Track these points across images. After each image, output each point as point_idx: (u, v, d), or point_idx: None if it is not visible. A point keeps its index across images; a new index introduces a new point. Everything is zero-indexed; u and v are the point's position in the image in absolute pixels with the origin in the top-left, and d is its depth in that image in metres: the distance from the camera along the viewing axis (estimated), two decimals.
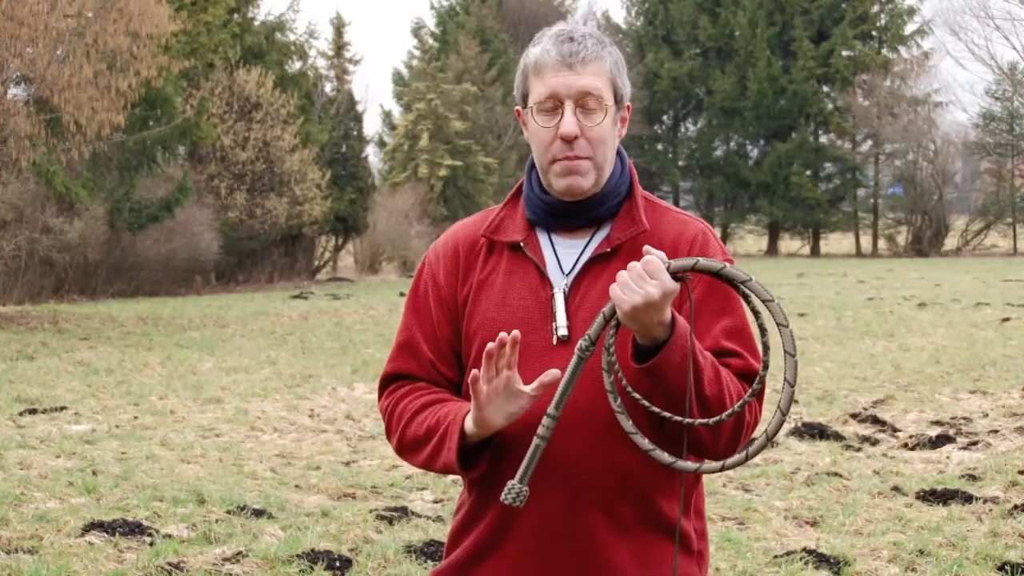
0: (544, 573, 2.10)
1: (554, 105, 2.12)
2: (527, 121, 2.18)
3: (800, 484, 6.98)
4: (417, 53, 47.70)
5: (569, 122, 2.10)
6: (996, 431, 8.59)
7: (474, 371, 2.01)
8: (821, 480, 7.04)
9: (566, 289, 2.13)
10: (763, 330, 1.98)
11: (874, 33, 52.03)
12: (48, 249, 23.23)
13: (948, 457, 7.79)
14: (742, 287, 1.93)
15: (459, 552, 2.20)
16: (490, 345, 1.99)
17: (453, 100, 39.88)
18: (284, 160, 30.73)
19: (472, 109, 40.83)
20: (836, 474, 7.21)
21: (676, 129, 55.84)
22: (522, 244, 2.18)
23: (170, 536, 5.72)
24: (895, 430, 8.75)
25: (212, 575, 5.20)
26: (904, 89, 50.35)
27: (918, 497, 6.60)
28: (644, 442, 1.95)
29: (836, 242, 53.57)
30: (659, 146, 54.67)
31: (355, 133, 37.10)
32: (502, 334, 2.00)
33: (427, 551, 5.52)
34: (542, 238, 2.19)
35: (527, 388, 2.01)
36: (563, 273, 2.15)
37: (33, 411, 9.62)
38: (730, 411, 1.98)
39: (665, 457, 1.95)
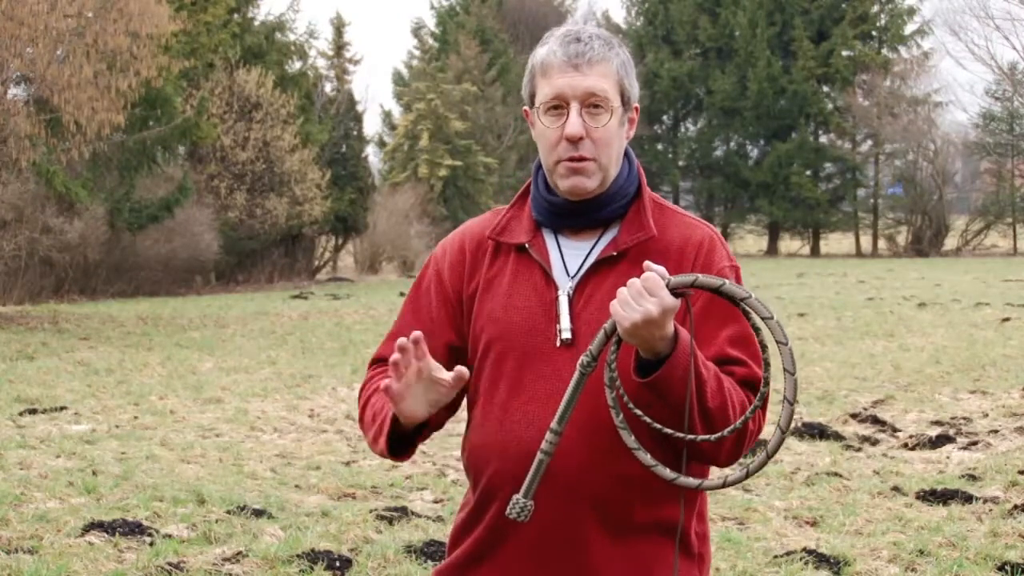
0: (541, 575, 2.10)
1: (560, 105, 2.12)
2: (534, 121, 2.18)
3: (800, 484, 6.98)
4: (417, 53, 47.70)
5: (574, 123, 2.10)
6: (996, 431, 8.59)
7: (384, 380, 2.05)
8: (821, 480, 7.04)
9: (570, 292, 2.12)
10: (763, 347, 1.98)
11: (874, 33, 52.02)
12: (48, 249, 23.23)
13: (948, 457, 7.79)
14: (742, 304, 1.93)
15: (459, 552, 2.20)
16: (394, 356, 2.01)
17: (453, 100, 39.87)
18: (284, 160, 30.74)
19: (472, 109, 40.83)
20: (836, 474, 7.21)
21: (676, 129, 55.84)
22: (527, 246, 2.18)
23: (170, 536, 5.72)
24: (895, 430, 8.75)
25: (212, 575, 5.20)
26: (904, 89, 50.35)
27: (918, 497, 6.60)
28: (647, 458, 1.95)
29: (836, 242, 53.56)
30: (659, 146, 54.67)
31: (355, 133, 37.10)
32: (401, 340, 2.02)
33: (427, 551, 5.52)
34: (548, 240, 2.19)
35: (446, 376, 2.03)
36: (568, 275, 2.15)
37: (33, 411, 9.62)
38: (731, 427, 1.98)
39: (667, 473, 1.95)
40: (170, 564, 5.23)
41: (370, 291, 28.49)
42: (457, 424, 2.32)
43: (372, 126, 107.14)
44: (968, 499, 6.49)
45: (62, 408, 9.81)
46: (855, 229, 50.84)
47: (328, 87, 38.99)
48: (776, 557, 5.46)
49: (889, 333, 15.98)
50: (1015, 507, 6.26)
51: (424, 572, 5.30)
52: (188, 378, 11.94)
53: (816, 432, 8.48)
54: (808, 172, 50.79)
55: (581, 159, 2.11)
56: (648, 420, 1.96)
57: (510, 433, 2.11)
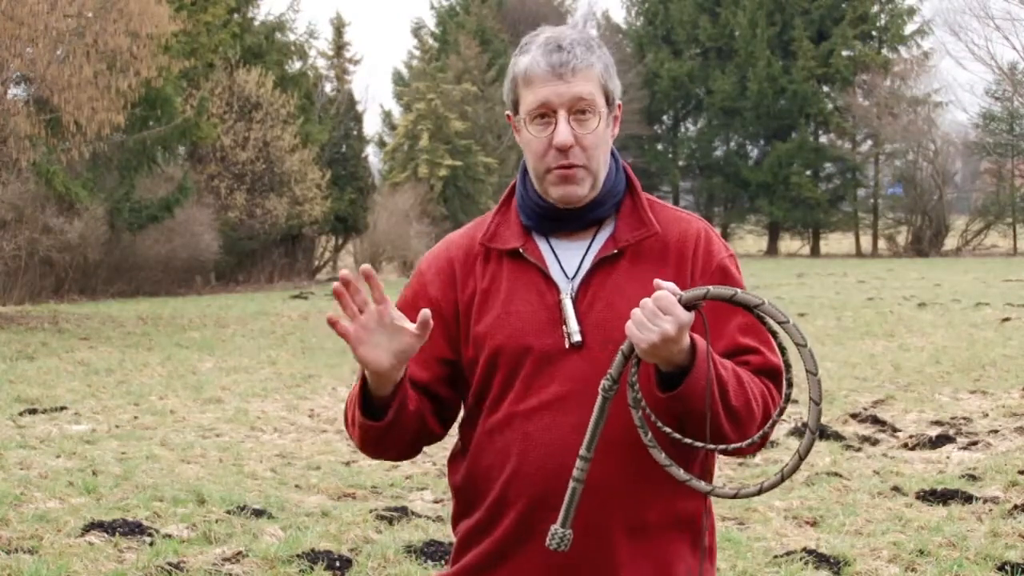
0: None
1: (546, 114, 2.09)
2: (519, 129, 2.16)
3: (800, 484, 6.98)
4: (417, 53, 47.68)
5: (563, 131, 2.08)
6: (996, 431, 8.59)
7: (329, 314, 2.02)
8: (821, 480, 7.04)
9: (573, 293, 2.11)
10: (782, 349, 1.98)
11: (874, 33, 52.03)
12: (48, 249, 23.23)
13: (948, 457, 7.79)
14: (756, 311, 1.93)
15: (473, 556, 2.17)
16: (336, 285, 1.99)
17: (453, 100, 39.87)
18: (284, 160, 30.74)
19: (472, 109, 40.83)
20: (836, 474, 7.21)
21: (676, 129, 55.84)
22: (521, 250, 2.16)
23: (170, 536, 5.72)
24: (895, 430, 8.75)
25: (212, 575, 5.20)
26: (904, 89, 50.34)
27: (918, 497, 6.60)
28: (680, 473, 1.95)
29: (836, 242, 53.56)
30: (659, 146, 54.68)
31: (355, 133, 37.10)
32: (344, 271, 2.00)
33: (427, 551, 5.52)
34: (540, 242, 2.17)
35: (410, 326, 1.99)
36: (567, 276, 2.13)
37: (33, 411, 9.62)
38: (749, 441, 2.00)
39: (703, 486, 1.96)
40: (170, 564, 5.23)
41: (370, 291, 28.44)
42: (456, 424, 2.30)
43: (372, 126, 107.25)
44: (968, 499, 6.49)
45: (62, 408, 9.81)
46: (855, 229, 50.85)
47: (328, 87, 39.02)
48: (776, 557, 5.46)
49: (889, 333, 15.98)
50: (1015, 507, 6.26)
51: (424, 572, 5.30)
52: (188, 378, 11.94)
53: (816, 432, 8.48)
54: (808, 172, 50.80)
55: (572, 167, 2.09)
56: (678, 436, 1.96)
57: (528, 436, 2.09)
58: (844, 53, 50.71)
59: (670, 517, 2.11)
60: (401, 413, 2.10)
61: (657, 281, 1.93)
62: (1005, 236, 49.20)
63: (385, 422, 2.08)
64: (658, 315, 1.89)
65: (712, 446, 1.96)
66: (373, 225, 35.53)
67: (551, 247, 2.17)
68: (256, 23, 33.41)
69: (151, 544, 5.58)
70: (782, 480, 1.93)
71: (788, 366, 2.00)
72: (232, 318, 19.90)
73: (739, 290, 1.92)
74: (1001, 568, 5.24)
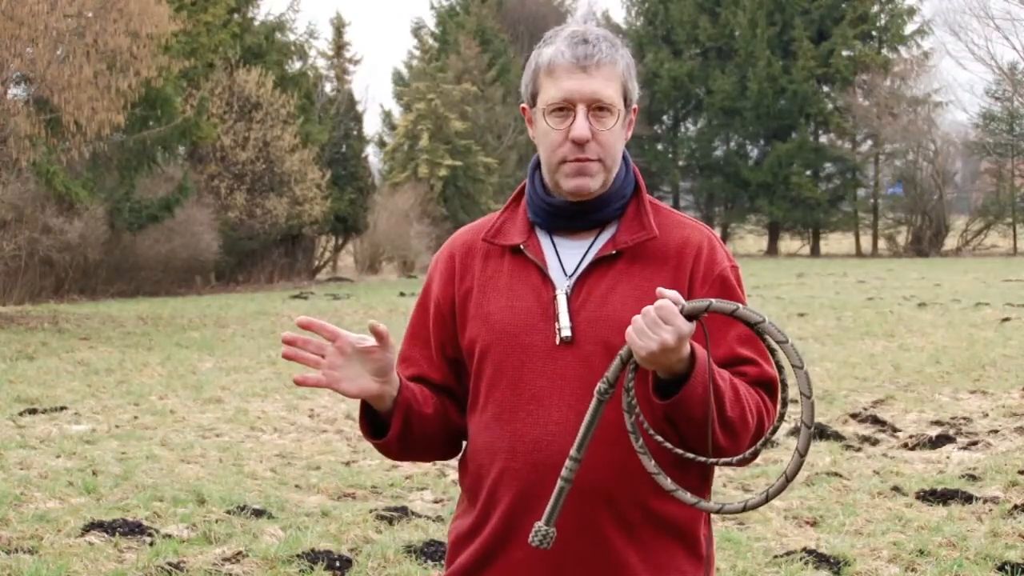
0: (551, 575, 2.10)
1: (565, 107, 2.11)
2: (535, 120, 2.17)
3: (800, 484, 6.98)
4: (417, 53, 47.68)
5: (582, 126, 2.09)
6: (996, 431, 8.59)
7: (295, 376, 2.11)
8: (821, 480, 7.04)
9: (568, 290, 2.12)
10: (779, 367, 1.98)
11: (874, 33, 52.02)
12: (48, 249, 23.23)
13: (948, 457, 7.79)
14: (756, 328, 1.93)
15: (466, 556, 2.18)
16: (285, 350, 2.07)
17: (453, 100, 39.86)
18: (284, 160, 30.74)
19: (472, 109, 40.83)
20: (836, 474, 7.21)
21: (676, 129, 55.83)
22: (523, 247, 2.17)
23: (170, 536, 5.72)
24: (895, 430, 8.75)
25: (212, 575, 5.20)
26: (904, 89, 50.33)
27: (918, 497, 6.60)
28: (667, 483, 1.95)
29: (836, 242, 53.56)
30: (659, 146, 54.67)
31: (355, 133, 37.10)
32: (285, 334, 2.07)
33: (427, 551, 5.52)
34: (543, 240, 2.19)
35: (368, 340, 2.05)
36: (565, 274, 2.14)
37: (33, 411, 9.62)
38: (740, 457, 2.00)
39: (688, 498, 1.96)
40: (170, 564, 5.23)
41: (370, 291, 28.49)
42: None
43: (372, 126, 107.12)
44: (968, 499, 6.49)
45: (62, 408, 9.81)
46: (855, 229, 50.84)
47: (328, 87, 39.01)
48: (776, 557, 5.46)
49: (889, 333, 15.98)
50: (1015, 507, 6.26)
51: (424, 572, 5.30)
52: (188, 378, 11.94)
53: (816, 432, 8.48)
54: (808, 172, 50.79)
55: (587, 160, 2.10)
56: (669, 446, 1.96)
57: (517, 432, 2.10)
58: (844, 53, 50.69)
59: (665, 522, 2.11)
60: (411, 421, 2.14)
61: (660, 290, 1.93)
62: (1005, 236, 49.18)
63: (393, 436, 2.14)
64: (659, 324, 1.89)
65: (702, 458, 1.96)
66: (373, 225, 35.53)
67: (554, 245, 2.18)
68: (256, 23, 33.40)
69: (151, 544, 5.58)
70: (767, 500, 1.93)
71: (784, 385, 2.01)
72: (232, 318, 19.90)
73: (741, 305, 1.92)
74: (1001, 568, 5.24)
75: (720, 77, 51.44)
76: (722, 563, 5.36)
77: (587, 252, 2.15)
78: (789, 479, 1.90)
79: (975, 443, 8.20)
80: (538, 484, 2.07)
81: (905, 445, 8.24)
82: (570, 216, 2.16)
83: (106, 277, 26.09)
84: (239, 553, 5.47)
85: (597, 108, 2.10)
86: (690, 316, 1.91)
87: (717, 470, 7.41)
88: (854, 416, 9.28)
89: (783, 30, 51.43)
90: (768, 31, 50.74)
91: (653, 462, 1.95)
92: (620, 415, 1.99)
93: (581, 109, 2.09)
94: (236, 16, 31.00)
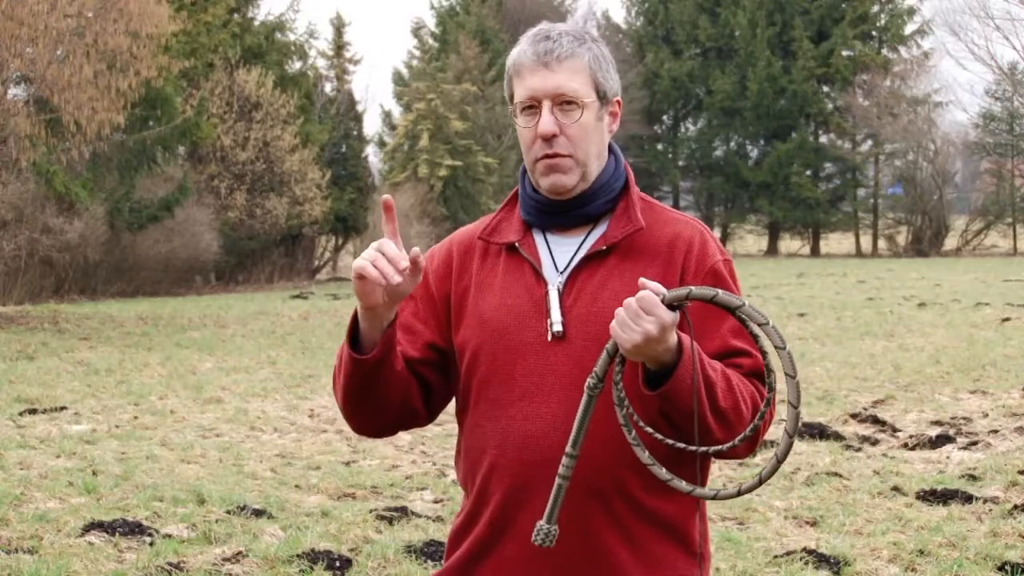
0: (545, 571, 2.10)
1: (533, 105, 2.14)
2: (514, 122, 2.21)
3: (800, 484, 6.99)
4: (417, 53, 47.69)
5: (546, 121, 2.11)
6: (996, 431, 8.59)
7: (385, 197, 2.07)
8: (821, 480, 7.04)
9: (560, 286, 2.13)
10: (763, 353, 1.98)
11: (874, 33, 52.03)
12: (48, 249, 23.24)
13: (948, 457, 7.79)
14: (737, 313, 1.93)
15: (459, 553, 2.20)
16: (371, 272, 1.99)
17: (453, 100, 39.87)
18: (284, 160, 30.75)
19: (472, 109, 40.83)
20: (836, 474, 7.21)
21: (676, 129, 55.83)
22: (517, 245, 2.19)
23: (170, 536, 5.72)
24: (895, 430, 8.75)
25: (212, 575, 5.20)
26: (904, 89, 50.34)
27: (918, 497, 6.60)
28: (662, 472, 1.96)
29: (836, 242, 53.57)
30: (659, 146, 54.67)
31: (355, 133, 37.11)
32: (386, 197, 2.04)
33: (427, 551, 5.52)
34: (537, 238, 2.20)
35: (404, 264, 2.01)
36: (558, 271, 2.16)
37: (33, 411, 9.62)
38: (731, 443, 1.99)
39: (683, 486, 1.96)
40: (170, 564, 5.23)
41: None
42: (455, 425, 2.31)
43: (372, 126, 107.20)
44: (968, 499, 6.49)
45: (62, 408, 9.81)
46: (855, 229, 50.84)
47: (328, 87, 39.01)
48: (776, 557, 5.46)
49: (889, 333, 15.98)
50: (1015, 507, 6.26)
51: (424, 572, 5.30)
52: (188, 378, 11.94)
53: (816, 432, 8.48)
54: (808, 172, 50.79)
55: (557, 156, 2.12)
56: (660, 437, 1.97)
57: (507, 428, 2.12)
58: (844, 53, 50.69)
59: (657, 519, 2.11)
60: (388, 358, 2.11)
61: (642, 280, 1.94)
62: (1005, 236, 49.19)
63: (374, 355, 2.08)
64: (641, 315, 1.90)
65: (695, 447, 1.97)
66: (373, 225, 35.51)
67: (547, 243, 2.20)
68: (256, 23, 33.41)
69: (151, 544, 5.58)
70: (760, 483, 1.93)
71: (770, 370, 2.01)
72: (232, 318, 19.90)
73: (720, 291, 1.93)
74: (1001, 568, 5.24)
75: (720, 77, 51.44)
76: (722, 563, 5.36)
77: (578, 249, 2.17)
78: (780, 460, 1.91)
79: (975, 443, 8.20)
80: (529, 479, 2.08)
81: (905, 445, 8.24)
82: (558, 212, 2.18)
83: (106, 277, 26.09)
84: (239, 553, 5.48)
85: (563, 102, 2.12)
86: (671, 305, 1.92)
87: (718, 470, 7.40)
88: (854, 416, 9.28)
89: (783, 30, 51.43)
90: (768, 31, 50.74)
91: (647, 453, 1.96)
92: (610, 411, 2.00)
93: (546, 104, 2.12)
94: (236, 16, 31.03)
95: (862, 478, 7.15)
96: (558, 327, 2.10)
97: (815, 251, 50.76)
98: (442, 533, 5.81)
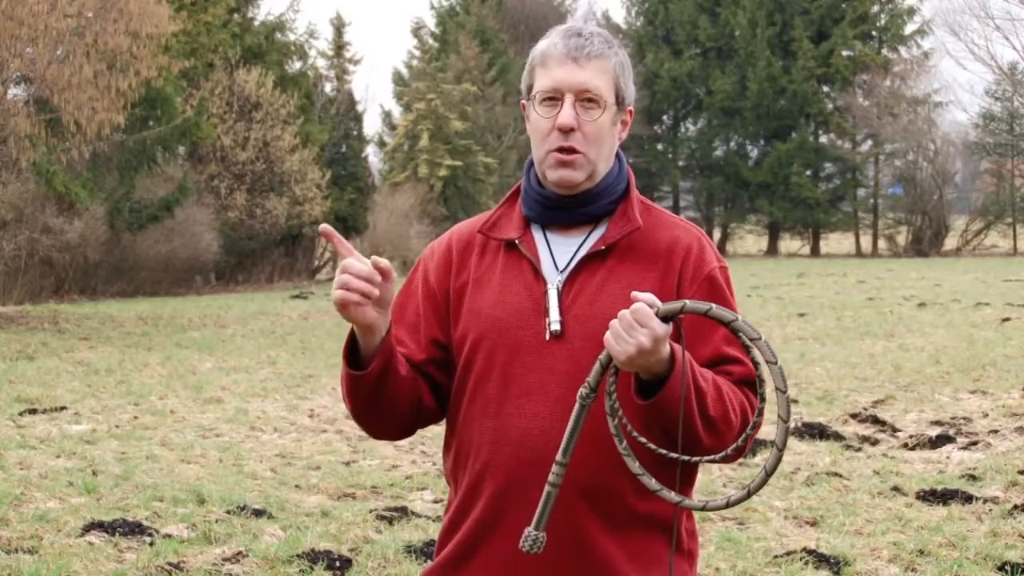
0: (534, 570, 2.10)
1: (555, 97, 2.15)
2: (529, 113, 2.21)
3: (800, 484, 6.99)
4: (417, 53, 47.69)
5: (567, 113, 2.12)
6: (996, 431, 8.59)
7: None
8: (821, 480, 7.04)
9: (559, 285, 2.14)
10: (755, 363, 2.00)
11: (874, 33, 52.03)
12: (48, 249, 23.23)
13: (948, 457, 7.79)
14: (730, 326, 1.95)
15: (449, 549, 2.21)
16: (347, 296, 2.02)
17: (453, 100, 39.87)
18: (284, 160, 30.75)
19: (472, 109, 40.83)
20: (836, 474, 7.21)
21: (676, 129, 55.83)
22: (517, 242, 2.20)
23: (170, 536, 5.72)
24: (895, 430, 8.75)
25: (212, 575, 5.20)
26: (904, 89, 50.34)
27: (918, 497, 6.60)
28: (652, 483, 1.97)
29: (836, 242, 53.57)
30: (659, 146, 54.67)
31: (355, 133, 37.10)
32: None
33: (427, 551, 5.52)
34: (537, 236, 2.21)
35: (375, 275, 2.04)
36: (557, 270, 2.17)
37: (33, 411, 9.61)
38: (723, 454, 2.01)
39: (672, 496, 1.97)
40: (170, 564, 5.23)
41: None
42: None
43: (372, 126, 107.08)
44: (968, 499, 6.49)
45: (62, 408, 9.81)
46: (855, 229, 50.85)
47: (328, 87, 39.02)
48: (776, 557, 5.46)
49: (889, 333, 15.98)
50: (1015, 507, 6.26)
51: None
52: (188, 378, 11.94)
53: (816, 432, 8.48)
54: (808, 172, 50.79)
55: (571, 150, 2.13)
56: (652, 447, 1.98)
57: (503, 426, 2.12)
58: (844, 53, 50.70)
59: (648, 518, 2.12)
60: (390, 367, 2.12)
61: (635, 293, 1.95)
62: (1005, 236, 49.19)
63: (373, 369, 2.10)
64: (635, 327, 1.91)
65: (685, 457, 1.98)
66: (373, 225, 35.53)
67: (547, 241, 2.21)
68: (256, 23, 33.41)
69: (151, 544, 5.58)
70: (748, 495, 1.94)
71: (762, 380, 2.02)
72: (232, 318, 19.90)
73: (714, 305, 1.94)
74: (1001, 568, 5.24)
75: (720, 77, 51.44)
76: (722, 563, 5.36)
77: (579, 249, 2.18)
78: (769, 473, 1.92)
79: (975, 443, 8.20)
80: (522, 477, 2.09)
81: (905, 445, 8.24)
82: (561, 209, 2.19)
83: (106, 277, 26.09)
84: (239, 553, 5.48)
85: (586, 99, 2.14)
86: (665, 318, 1.93)
87: (718, 470, 7.41)
88: (854, 416, 9.28)
89: (783, 30, 51.43)
90: (768, 31, 50.74)
91: (637, 463, 1.97)
92: (603, 414, 2.01)
93: (568, 98, 2.13)
94: (236, 16, 31.02)
95: (862, 478, 7.15)
96: (556, 326, 2.11)
97: (815, 251, 50.76)
98: None
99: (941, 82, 75.84)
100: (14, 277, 22.94)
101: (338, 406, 10.22)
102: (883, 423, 8.96)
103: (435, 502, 6.68)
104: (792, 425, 8.59)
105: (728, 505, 1.97)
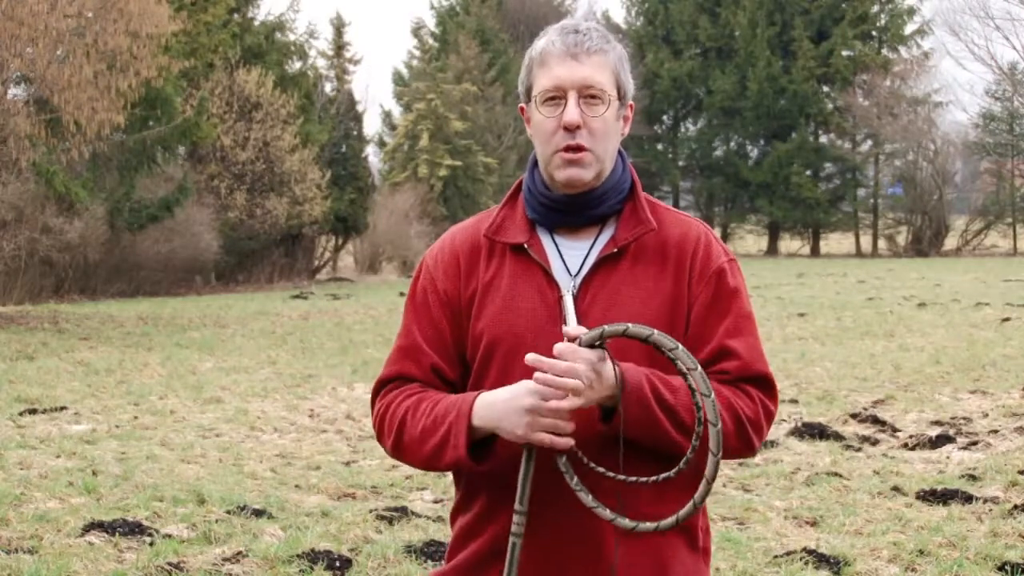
0: None
1: (558, 95, 2.12)
2: (530, 115, 2.17)
3: (800, 484, 6.98)
4: (417, 53, 47.68)
5: (572, 111, 2.10)
6: (996, 431, 8.59)
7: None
8: (821, 480, 7.04)
9: (574, 291, 2.12)
10: (692, 391, 2.00)
11: (874, 33, 52.05)
12: (48, 249, 23.23)
13: (948, 457, 7.78)
14: (668, 354, 1.97)
15: (466, 554, 2.18)
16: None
17: (453, 100, 39.87)
18: (284, 160, 30.74)
19: (472, 109, 40.82)
20: (836, 474, 7.20)
21: (676, 129, 55.85)
22: (526, 246, 2.16)
23: (170, 536, 5.72)
24: (895, 430, 8.75)
25: (212, 575, 5.20)
26: (904, 89, 50.36)
27: (918, 497, 6.59)
28: (606, 513, 2.00)
29: (836, 242, 53.58)
30: (659, 146, 54.68)
31: (355, 133, 37.10)
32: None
33: (427, 551, 5.52)
34: (545, 239, 2.18)
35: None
36: (570, 275, 2.14)
37: (33, 411, 9.61)
38: (668, 474, 2.01)
39: (607, 514, 2.00)
40: (170, 564, 5.23)
41: (370, 291, 28.49)
42: None
43: (372, 126, 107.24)
44: (968, 499, 6.49)
45: (62, 408, 9.81)
46: (855, 229, 50.88)
47: (328, 87, 39.00)
48: (776, 557, 5.46)
49: (889, 333, 15.98)
50: (1015, 507, 6.26)
51: (424, 572, 5.29)
52: (188, 378, 11.94)
53: (816, 432, 8.48)
54: (808, 172, 50.81)
55: (579, 148, 2.11)
56: (611, 475, 2.00)
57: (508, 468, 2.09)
58: (844, 53, 50.73)
59: (660, 513, 2.09)
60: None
61: (566, 329, 1.99)
62: (1005, 236, 49.21)
63: (488, 466, 2.10)
64: (564, 377, 1.94)
65: (623, 477, 1.99)
66: (373, 225, 35.53)
67: (555, 244, 2.17)
68: (256, 23, 33.41)
69: (151, 544, 5.58)
70: (677, 523, 1.98)
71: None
72: (232, 318, 19.90)
73: (656, 332, 1.97)
74: (1001, 568, 5.24)
75: (720, 77, 51.45)
76: (722, 563, 5.36)
77: (589, 252, 2.15)
78: (696, 505, 1.96)
79: (975, 443, 8.20)
80: (543, 486, 2.06)
81: (905, 445, 8.24)
82: (568, 211, 2.16)
83: (106, 277, 26.09)
84: (239, 553, 5.47)
85: (589, 96, 2.11)
86: (591, 345, 1.98)
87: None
88: (854, 416, 9.27)
89: (783, 30, 51.44)
90: (768, 31, 50.75)
91: (591, 497, 2.00)
92: (613, 426, 2.02)
93: (572, 95, 2.10)
94: (236, 16, 31.02)
95: (862, 478, 7.15)
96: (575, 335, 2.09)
97: (815, 251, 50.77)
98: (442, 533, 5.81)
99: (941, 82, 76.00)
100: (14, 277, 22.94)
101: (338, 406, 10.22)
102: (883, 423, 8.96)
103: (435, 502, 6.67)
104: (793, 426, 8.60)
105: (658, 529, 1.99)
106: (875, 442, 8.36)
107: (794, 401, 10.08)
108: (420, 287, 2.24)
